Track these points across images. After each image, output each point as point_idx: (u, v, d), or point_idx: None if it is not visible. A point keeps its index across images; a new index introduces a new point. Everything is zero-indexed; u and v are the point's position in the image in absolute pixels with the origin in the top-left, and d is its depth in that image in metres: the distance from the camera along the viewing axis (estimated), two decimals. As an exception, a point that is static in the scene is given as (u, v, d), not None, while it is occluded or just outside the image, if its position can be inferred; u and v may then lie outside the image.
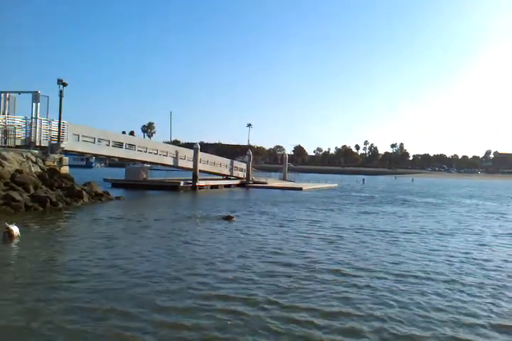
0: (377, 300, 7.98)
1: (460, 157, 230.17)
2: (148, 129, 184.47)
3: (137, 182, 37.68)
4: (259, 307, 7.39)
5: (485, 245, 14.51)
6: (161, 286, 8.43)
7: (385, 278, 9.58)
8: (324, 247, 13.09)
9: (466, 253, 12.91)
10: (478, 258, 12.11)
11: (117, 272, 9.41)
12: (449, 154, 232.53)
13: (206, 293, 8.08)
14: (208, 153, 52.00)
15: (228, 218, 18.70)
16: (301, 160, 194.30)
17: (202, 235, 14.56)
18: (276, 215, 21.09)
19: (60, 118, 26.42)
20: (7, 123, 24.83)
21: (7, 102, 26.95)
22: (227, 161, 49.15)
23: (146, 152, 36.68)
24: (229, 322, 6.64)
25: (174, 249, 12.26)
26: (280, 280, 9.09)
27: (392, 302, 7.84)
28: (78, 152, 32.64)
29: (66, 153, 27.85)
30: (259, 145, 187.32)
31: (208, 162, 44.51)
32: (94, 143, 30.84)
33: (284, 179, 60.04)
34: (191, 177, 39.23)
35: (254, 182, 48.28)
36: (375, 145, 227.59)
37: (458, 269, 10.71)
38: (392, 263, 11.17)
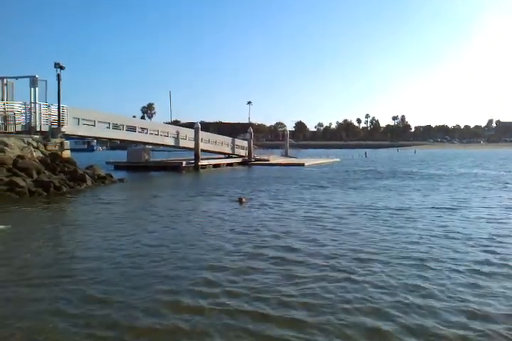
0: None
1: (462, 127, 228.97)
2: (148, 110, 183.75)
3: (139, 163, 37.75)
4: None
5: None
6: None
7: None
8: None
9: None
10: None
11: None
12: (451, 124, 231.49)
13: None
14: (208, 132, 51.83)
15: (240, 201, 17.49)
16: (302, 136, 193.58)
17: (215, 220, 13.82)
18: (285, 195, 20.38)
19: (59, 103, 26.30)
20: (6, 110, 24.75)
21: (5, 88, 26.79)
22: (228, 140, 49.04)
23: (147, 133, 36.62)
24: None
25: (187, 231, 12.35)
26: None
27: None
28: (79, 135, 32.62)
29: (67, 137, 27.80)
30: (260, 123, 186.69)
31: (210, 141, 44.43)
32: (94, 126, 30.74)
33: (286, 155, 59.97)
34: (193, 157, 39.29)
35: (257, 160, 48.27)
36: (376, 118, 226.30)
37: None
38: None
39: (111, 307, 6.40)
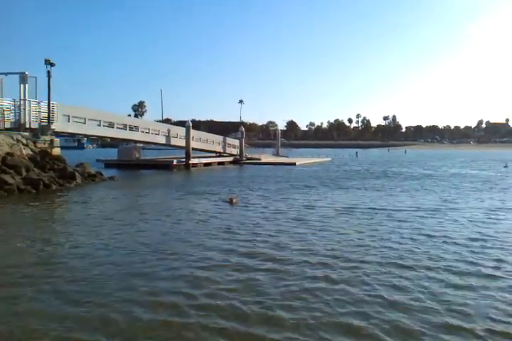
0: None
1: (452, 127, 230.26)
2: (139, 108, 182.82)
3: (130, 161, 37.59)
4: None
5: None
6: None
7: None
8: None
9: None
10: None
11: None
12: (441, 125, 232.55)
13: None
14: (200, 130, 51.72)
15: (230, 201, 16.97)
16: (294, 136, 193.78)
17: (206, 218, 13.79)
18: (276, 195, 20.71)
19: (49, 100, 26.10)
20: (-5, 106, 24.51)
21: (-6, 84, 26.54)
22: (219, 138, 48.95)
23: (138, 131, 36.45)
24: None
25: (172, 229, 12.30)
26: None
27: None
28: (69, 133, 32.43)
29: (57, 134, 27.60)
30: (251, 122, 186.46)
31: (201, 139, 44.31)
32: (85, 123, 30.52)
33: (277, 154, 60.04)
34: (184, 156, 39.17)
35: (248, 159, 48.24)
36: (367, 118, 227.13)
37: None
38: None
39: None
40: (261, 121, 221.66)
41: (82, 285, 7.28)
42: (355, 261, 8.78)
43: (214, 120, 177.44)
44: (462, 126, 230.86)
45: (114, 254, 9.27)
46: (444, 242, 10.48)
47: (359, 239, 10.86)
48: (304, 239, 10.77)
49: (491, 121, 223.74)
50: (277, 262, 8.69)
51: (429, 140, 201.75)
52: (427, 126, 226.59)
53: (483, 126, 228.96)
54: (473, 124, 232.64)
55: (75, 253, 9.30)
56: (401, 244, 10.33)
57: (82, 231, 11.50)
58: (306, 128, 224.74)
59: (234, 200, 16.96)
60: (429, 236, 11.14)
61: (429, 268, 8.29)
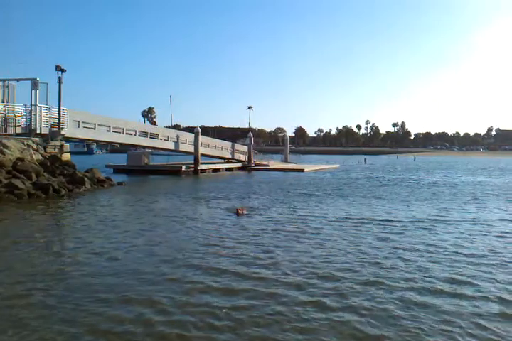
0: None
1: (462, 134, 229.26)
2: (148, 114, 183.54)
3: (139, 167, 37.71)
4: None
5: None
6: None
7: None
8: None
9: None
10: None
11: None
12: (450, 132, 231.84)
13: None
14: (208, 136, 51.85)
15: (237, 212, 15.79)
16: (302, 142, 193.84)
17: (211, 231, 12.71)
18: (283, 204, 20.26)
19: (59, 105, 26.35)
20: (7, 112, 24.77)
21: (6, 90, 26.84)
22: (228, 144, 49.03)
23: (147, 137, 36.64)
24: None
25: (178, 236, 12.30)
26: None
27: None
28: (79, 138, 32.64)
29: (67, 139, 27.83)
30: (260, 128, 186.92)
31: (209, 145, 44.42)
32: (94, 129, 30.76)
33: (285, 161, 59.98)
34: (193, 162, 39.27)
35: (256, 165, 48.24)
36: (376, 124, 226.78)
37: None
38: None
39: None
40: (269, 127, 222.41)
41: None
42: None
43: (222, 126, 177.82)
44: (472, 133, 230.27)
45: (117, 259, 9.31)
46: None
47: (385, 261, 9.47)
48: (304, 254, 9.98)
49: (501, 128, 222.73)
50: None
51: (439, 147, 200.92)
52: (436, 133, 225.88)
53: (493, 133, 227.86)
54: (483, 131, 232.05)
55: (78, 260, 9.36)
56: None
57: (89, 236, 11.57)
58: (315, 135, 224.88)
59: (240, 211, 15.80)
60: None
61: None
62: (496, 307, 6.80)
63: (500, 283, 8.02)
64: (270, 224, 13.91)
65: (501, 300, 7.11)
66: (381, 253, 10.13)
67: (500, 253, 10.28)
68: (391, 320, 6.24)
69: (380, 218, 15.18)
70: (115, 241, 11.00)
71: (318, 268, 8.80)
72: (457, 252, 10.26)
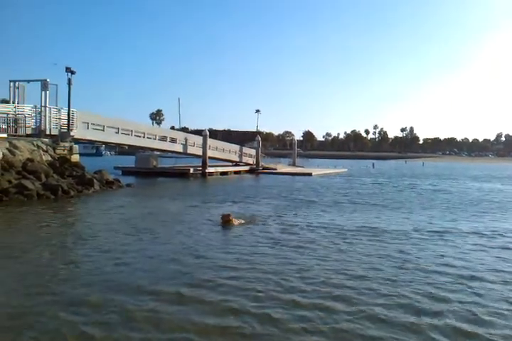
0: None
1: (471, 140, 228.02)
2: (156, 117, 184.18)
3: (147, 169, 37.77)
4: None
5: None
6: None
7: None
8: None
9: None
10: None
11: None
12: (459, 137, 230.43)
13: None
14: (216, 139, 51.88)
15: (225, 220, 13.84)
16: (310, 146, 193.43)
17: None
18: (290, 212, 19.45)
19: (69, 107, 26.46)
20: (17, 112, 24.90)
21: (16, 91, 27.00)
22: (236, 147, 49.02)
23: (155, 139, 36.74)
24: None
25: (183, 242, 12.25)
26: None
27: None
28: (88, 140, 32.80)
29: (76, 141, 27.92)
30: (268, 131, 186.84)
31: (217, 148, 44.45)
32: (103, 130, 30.89)
33: (293, 165, 59.85)
34: (201, 164, 39.29)
35: (264, 168, 48.20)
36: (384, 129, 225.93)
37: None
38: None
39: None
40: (277, 130, 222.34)
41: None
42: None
43: (231, 129, 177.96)
44: (481, 139, 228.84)
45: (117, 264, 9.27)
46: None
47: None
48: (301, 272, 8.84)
49: (511, 134, 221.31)
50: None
51: (447, 152, 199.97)
52: (445, 139, 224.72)
53: (503, 139, 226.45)
54: (492, 137, 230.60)
55: (78, 262, 9.33)
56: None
57: (96, 238, 11.57)
58: (323, 139, 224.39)
59: (228, 219, 13.88)
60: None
61: None
62: None
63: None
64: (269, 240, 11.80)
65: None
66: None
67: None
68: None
69: (403, 229, 13.91)
70: (124, 244, 10.97)
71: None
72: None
